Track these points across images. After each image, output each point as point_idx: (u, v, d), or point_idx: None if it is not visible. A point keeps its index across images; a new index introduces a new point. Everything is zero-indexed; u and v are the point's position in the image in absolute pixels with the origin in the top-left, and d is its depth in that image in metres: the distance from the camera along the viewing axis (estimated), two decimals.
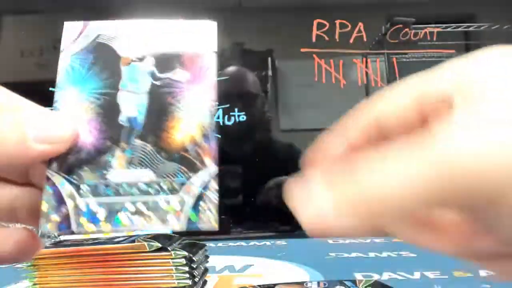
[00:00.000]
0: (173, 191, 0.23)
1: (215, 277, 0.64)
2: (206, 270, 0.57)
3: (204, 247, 0.57)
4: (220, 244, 0.91)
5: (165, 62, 0.25)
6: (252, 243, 0.92)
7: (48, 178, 0.23)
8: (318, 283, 0.54)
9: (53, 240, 0.91)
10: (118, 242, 0.52)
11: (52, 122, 0.22)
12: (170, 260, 0.50)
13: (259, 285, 0.54)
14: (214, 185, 0.23)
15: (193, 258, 0.51)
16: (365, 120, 0.21)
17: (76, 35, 0.25)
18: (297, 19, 1.30)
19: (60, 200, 0.23)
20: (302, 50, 1.32)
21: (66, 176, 0.23)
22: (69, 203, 0.22)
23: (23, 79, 1.22)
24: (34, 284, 0.53)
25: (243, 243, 0.92)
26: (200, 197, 0.23)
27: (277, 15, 1.32)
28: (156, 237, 0.52)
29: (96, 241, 0.55)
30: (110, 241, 0.55)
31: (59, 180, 0.23)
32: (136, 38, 0.25)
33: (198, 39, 0.25)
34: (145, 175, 0.23)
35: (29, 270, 0.53)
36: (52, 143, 0.22)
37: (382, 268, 0.67)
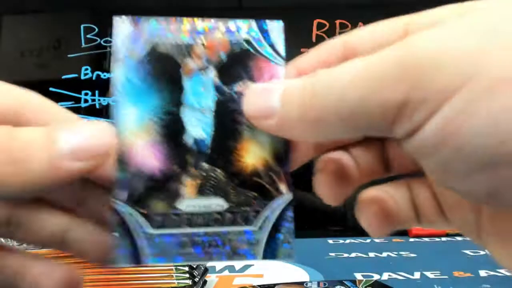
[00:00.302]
0: (247, 221, 0.21)
1: (215, 277, 0.64)
2: (206, 270, 0.58)
3: None
4: None
5: (230, 72, 0.22)
6: None
7: (113, 209, 0.21)
8: (318, 283, 0.54)
9: None
10: None
11: (86, 135, 0.19)
12: None
13: (259, 285, 0.54)
14: (290, 214, 0.21)
15: None
16: (341, 40, 0.22)
17: (127, 35, 0.22)
18: (297, 19, 1.30)
19: (127, 232, 0.21)
20: (302, 50, 1.32)
21: (133, 206, 0.21)
22: (137, 235, 0.21)
23: (23, 79, 1.22)
24: None
25: None
26: (276, 228, 0.21)
27: (277, 15, 1.32)
28: None
29: None
30: None
31: (125, 210, 0.21)
32: (196, 44, 0.22)
33: (265, 43, 0.22)
34: (217, 204, 0.21)
35: None
36: (87, 159, 0.19)
37: (382, 268, 0.67)
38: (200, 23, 0.22)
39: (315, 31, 1.29)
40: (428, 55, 0.16)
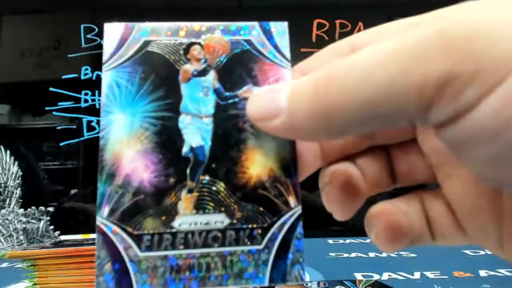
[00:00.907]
0: (252, 239, 0.19)
1: None
2: None
3: None
4: None
5: (232, 76, 0.20)
6: None
7: (99, 228, 0.18)
8: (318, 283, 0.54)
9: (53, 240, 0.91)
10: None
11: None
12: None
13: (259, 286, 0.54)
14: (300, 231, 0.19)
15: None
16: (348, 41, 0.20)
17: (118, 41, 0.20)
18: (297, 19, 1.30)
19: (116, 255, 0.18)
20: (302, 50, 1.32)
21: (120, 225, 0.18)
22: (128, 258, 0.18)
23: (23, 79, 1.22)
24: (34, 284, 0.53)
25: None
26: (284, 246, 0.19)
27: (277, 15, 1.32)
28: None
29: None
30: None
31: (113, 229, 0.18)
32: (193, 45, 0.20)
33: (269, 45, 0.21)
34: (218, 220, 0.19)
35: (29, 270, 0.53)
36: None
37: (382, 268, 0.66)
38: (198, 25, 0.20)
39: (315, 31, 1.29)
40: (479, 25, 0.13)
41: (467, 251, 0.76)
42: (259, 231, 0.19)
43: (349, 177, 0.21)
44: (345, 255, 0.78)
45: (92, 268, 0.51)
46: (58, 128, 1.18)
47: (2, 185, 0.98)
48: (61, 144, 1.17)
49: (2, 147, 1.01)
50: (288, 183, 0.19)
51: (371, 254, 0.77)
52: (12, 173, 1.00)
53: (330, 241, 0.90)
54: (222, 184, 0.19)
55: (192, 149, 0.19)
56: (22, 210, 0.94)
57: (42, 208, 0.94)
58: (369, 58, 0.15)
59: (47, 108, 1.15)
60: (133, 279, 0.18)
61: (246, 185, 0.19)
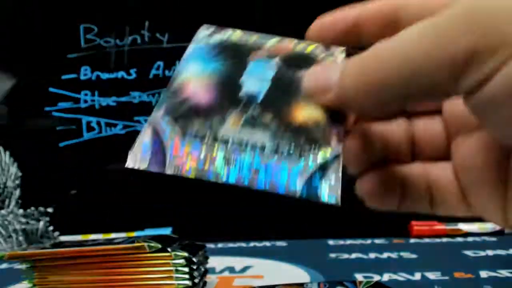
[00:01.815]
0: (292, 154, 0.21)
1: (215, 278, 0.64)
2: (206, 271, 0.57)
3: (204, 248, 0.57)
4: (220, 245, 0.90)
5: (292, 64, 0.24)
6: (252, 244, 0.92)
7: (151, 122, 0.22)
8: (318, 284, 0.54)
9: (52, 241, 0.91)
10: (117, 243, 0.52)
11: None
12: (170, 261, 0.50)
13: (260, 287, 0.54)
14: (339, 162, 0.21)
15: (193, 259, 0.51)
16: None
17: (207, 34, 0.25)
18: (297, 19, 1.30)
19: (157, 138, 0.21)
20: None
21: (173, 124, 0.21)
22: (168, 143, 0.21)
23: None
24: (34, 286, 0.53)
25: (243, 244, 0.92)
26: (324, 166, 0.21)
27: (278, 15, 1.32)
28: (156, 238, 0.52)
29: (96, 242, 0.55)
30: (109, 242, 0.55)
31: (163, 126, 0.21)
32: (265, 43, 0.25)
33: (326, 53, 0.24)
34: (261, 137, 0.21)
35: (28, 271, 0.53)
36: None
37: (382, 269, 0.66)
38: (270, 36, 0.25)
39: None
40: (501, 2, 0.15)
41: (468, 252, 0.76)
42: (300, 151, 0.21)
43: (370, 131, 0.23)
44: (346, 256, 0.78)
45: (92, 269, 0.51)
46: (58, 128, 1.18)
47: (1, 185, 0.97)
48: (60, 144, 1.17)
49: (1, 147, 1.01)
50: (332, 129, 0.21)
51: (372, 255, 0.77)
52: (11, 173, 1.00)
53: (331, 241, 0.90)
54: (271, 117, 0.22)
55: (248, 93, 0.23)
56: (21, 210, 0.94)
57: (42, 208, 0.94)
58: (407, 38, 0.17)
59: (46, 109, 1.15)
60: (169, 156, 0.21)
61: (291, 123, 0.22)
